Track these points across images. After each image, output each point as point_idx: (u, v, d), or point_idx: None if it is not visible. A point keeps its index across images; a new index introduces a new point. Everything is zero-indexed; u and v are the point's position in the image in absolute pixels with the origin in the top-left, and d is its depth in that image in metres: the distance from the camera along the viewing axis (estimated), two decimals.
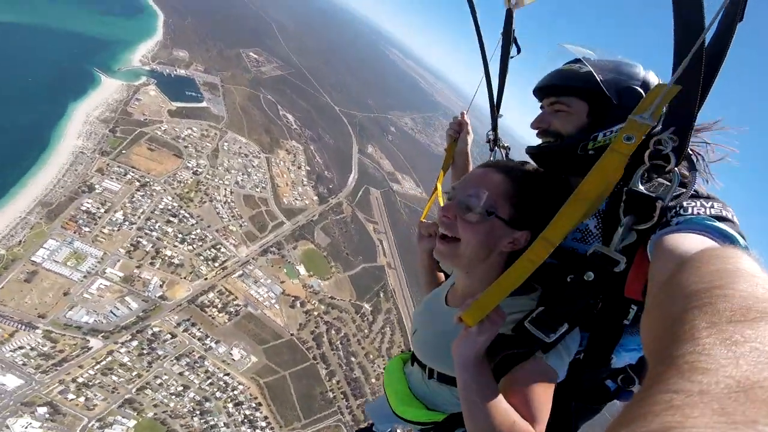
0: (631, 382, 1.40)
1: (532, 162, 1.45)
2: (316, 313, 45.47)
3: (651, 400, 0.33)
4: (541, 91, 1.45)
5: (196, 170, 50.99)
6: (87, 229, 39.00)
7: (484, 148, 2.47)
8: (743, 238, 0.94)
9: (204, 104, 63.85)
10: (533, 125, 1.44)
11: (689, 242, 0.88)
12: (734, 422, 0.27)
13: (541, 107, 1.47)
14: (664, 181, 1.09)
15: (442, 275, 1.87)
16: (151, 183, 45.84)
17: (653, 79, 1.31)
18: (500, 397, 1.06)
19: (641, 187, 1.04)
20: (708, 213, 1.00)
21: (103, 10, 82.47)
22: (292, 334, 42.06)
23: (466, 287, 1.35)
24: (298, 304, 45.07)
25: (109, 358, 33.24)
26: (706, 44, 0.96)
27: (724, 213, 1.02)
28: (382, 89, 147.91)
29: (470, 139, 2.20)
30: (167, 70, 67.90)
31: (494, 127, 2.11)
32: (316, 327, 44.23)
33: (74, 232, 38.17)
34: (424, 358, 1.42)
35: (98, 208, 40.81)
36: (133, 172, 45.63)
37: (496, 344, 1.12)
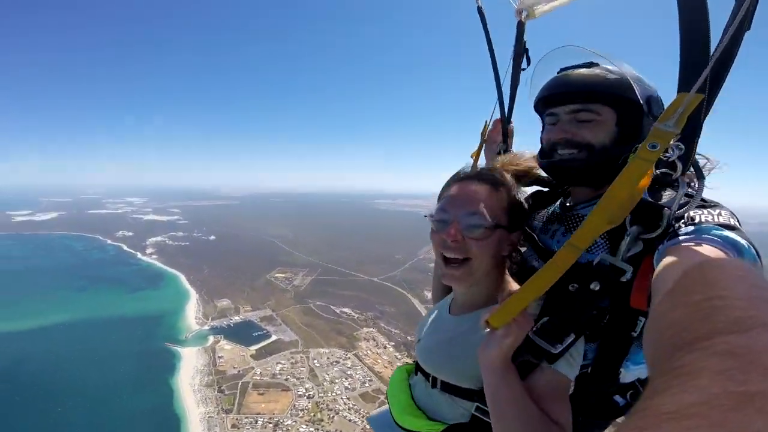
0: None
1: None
2: None
3: (651, 411, 0.36)
4: (561, 97, 1.50)
5: (308, 394, 60.63)
6: None
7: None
8: (752, 245, 1.02)
9: (274, 337, 77.06)
10: (557, 135, 1.50)
11: (694, 252, 0.98)
12: None
13: (548, 115, 1.58)
14: (671, 190, 1.21)
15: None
16: (282, 421, 54.87)
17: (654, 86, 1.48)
18: (530, 401, 1.20)
19: (649, 198, 1.17)
20: (716, 221, 1.08)
21: (131, 289, 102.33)
22: None
23: (469, 296, 1.55)
24: None
25: None
26: (715, 53, 1.09)
27: (731, 221, 1.09)
28: (398, 238, 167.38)
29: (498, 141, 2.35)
30: (224, 322, 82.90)
31: (505, 139, 2.30)
32: None
33: None
34: (427, 367, 1.57)
35: None
36: (261, 418, 55.37)
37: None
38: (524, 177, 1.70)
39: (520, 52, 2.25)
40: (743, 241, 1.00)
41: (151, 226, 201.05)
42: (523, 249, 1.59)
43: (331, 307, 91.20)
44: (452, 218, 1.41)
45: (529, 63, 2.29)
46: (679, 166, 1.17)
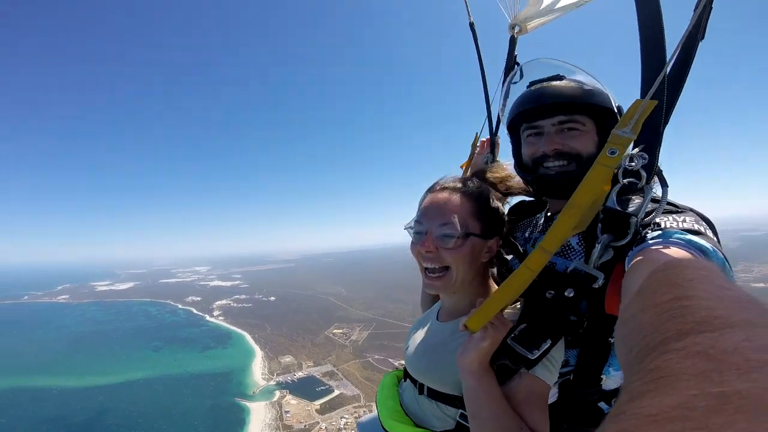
0: None
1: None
2: None
3: (631, 414, 0.36)
4: (546, 109, 1.48)
5: None
6: None
7: None
8: (719, 248, 1.02)
9: (336, 392, 76.60)
10: (548, 147, 1.47)
11: (660, 255, 0.98)
12: None
13: (528, 128, 1.55)
14: (638, 198, 1.22)
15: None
16: None
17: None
18: (507, 404, 1.21)
19: (616, 205, 1.19)
20: (680, 227, 1.10)
21: (201, 347, 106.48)
22: None
23: (454, 303, 1.55)
24: None
25: None
26: (670, 62, 1.15)
27: (696, 227, 1.10)
28: None
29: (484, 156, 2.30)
30: (288, 377, 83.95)
31: (492, 150, 2.26)
32: None
33: None
34: (414, 373, 1.56)
35: None
36: None
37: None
38: (508, 186, 1.72)
39: (512, 66, 2.22)
40: (708, 245, 1.00)
41: (216, 291, 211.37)
42: (509, 257, 1.59)
43: (389, 360, 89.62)
44: (426, 229, 1.44)
45: (521, 77, 2.14)
46: (644, 174, 1.19)
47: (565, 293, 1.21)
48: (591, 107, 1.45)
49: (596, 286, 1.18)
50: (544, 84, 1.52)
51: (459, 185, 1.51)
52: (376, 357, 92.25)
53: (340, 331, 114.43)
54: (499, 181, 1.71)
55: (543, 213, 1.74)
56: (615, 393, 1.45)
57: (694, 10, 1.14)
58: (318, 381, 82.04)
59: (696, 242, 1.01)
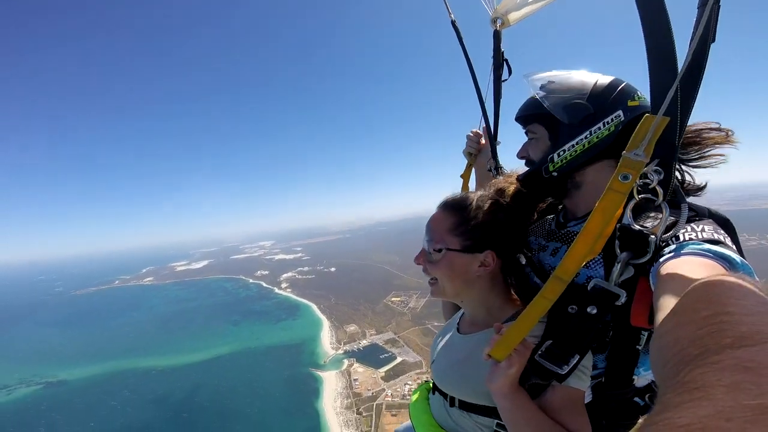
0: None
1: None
2: None
3: (666, 425, 0.35)
4: (517, 122, 1.61)
5: None
6: None
7: None
8: (741, 255, 0.99)
9: (399, 359, 79.32)
10: (517, 155, 1.62)
11: (689, 266, 0.95)
12: None
13: None
14: (655, 214, 1.17)
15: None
16: None
17: (602, 82, 1.41)
18: (544, 416, 1.20)
19: (635, 225, 1.14)
20: (700, 237, 1.06)
21: (275, 320, 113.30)
22: None
23: (472, 314, 1.57)
24: None
25: None
26: (682, 72, 1.05)
27: (716, 236, 1.06)
28: None
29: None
30: (354, 346, 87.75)
31: (494, 155, 2.16)
32: None
33: None
34: (444, 387, 1.54)
35: None
36: None
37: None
38: (511, 195, 1.66)
39: (500, 62, 2.12)
40: (733, 255, 0.97)
41: (281, 264, 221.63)
42: (523, 262, 1.57)
43: None
44: (423, 245, 1.53)
45: (510, 73, 2.16)
46: (661, 191, 1.15)
47: (588, 310, 1.18)
48: (534, 116, 1.53)
49: (619, 303, 1.15)
50: (529, 96, 1.59)
51: (447, 200, 1.55)
52: (435, 324, 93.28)
53: (398, 299, 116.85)
54: (501, 190, 1.69)
55: (552, 216, 1.74)
56: (647, 389, 1.45)
57: (699, 7, 1.04)
58: (381, 349, 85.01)
59: (721, 253, 0.98)
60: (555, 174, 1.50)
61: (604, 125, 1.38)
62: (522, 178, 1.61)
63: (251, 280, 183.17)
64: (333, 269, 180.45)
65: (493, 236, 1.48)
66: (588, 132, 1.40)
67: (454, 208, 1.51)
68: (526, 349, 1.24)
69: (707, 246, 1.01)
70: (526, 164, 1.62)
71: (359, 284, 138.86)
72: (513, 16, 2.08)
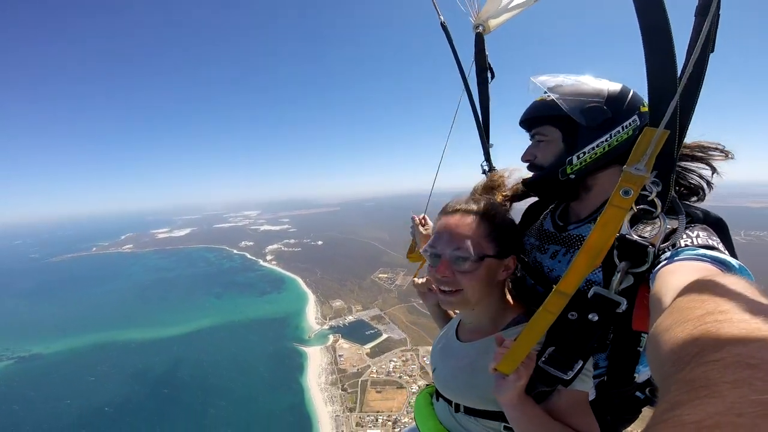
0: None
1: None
2: None
3: (674, 422, 0.35)
4: (523, 126, 1.63)
5: None
6: None
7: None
8: (736, 258, 1.03)
9: (385, 335, 79.43)
10: (522, 159, 1.63)
11: (685, 270, 0.98)
12: None
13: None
14: (653, 223, 1.21)
15: (450, 312, 2.21)
16: (399, 419, 56.33)
17: (615, 88, 1.45)
18: (552, 420, 1.25)
19: (633, 235, 1.17)
20: (695, 243, 1.11)
21: (259, 292, 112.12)
22: None
23: (474, 321, 1.58)
24: None
25: None
26: (682, 85, 1.05)
27: (710, 242, 1.11)
28: None
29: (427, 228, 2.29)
30: (340, 321, 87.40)
31: (487, 158, 2.25)
32: None
33: None
34: (448, 395, 1.58)
35: None
36: (381, 416, 57.34)
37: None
38: (514, 196, 1.81)
39: (484, 66, 2.24)
40: (728, 258, 1.01)
41: (267, 235, 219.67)
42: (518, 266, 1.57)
43: None
44: (441, 254, 1.44)
45: (493, 77, 2.28)
46: (659, 203, 1.16)
47: (589, 317, 1.20)
48: (551, 118, 1.52)
49: (619, 311, 1.17)
50: (536, 98, 1.60)
51: (471, 206, 1.52)
52: (420, 302, 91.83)
53: (385, 275, 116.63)
54: (499, 188, 1.82)
55: (548, 217, 1.77)
56: (649, 382, 1.49)
57: (697, 16, 1.06)
58: (367, 325, 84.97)
59: (718, 257, 1.01)
60: (572, 176, 1.51)
61: (623, 129, 1.42)
62: (532, 182, 1.64)
63: (235, 251, 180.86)
64: (320, 243, 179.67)
65: (514, 240, 1.54)
66: (608, 135, 1.43)
67: (484, 213, 1.50)
68: (532, 361, 1.27)
69: (702, 251, 1.05)
70: (530, 168, 1.64)
71: (346, 259, 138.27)
72: (493, 23, 2.23)
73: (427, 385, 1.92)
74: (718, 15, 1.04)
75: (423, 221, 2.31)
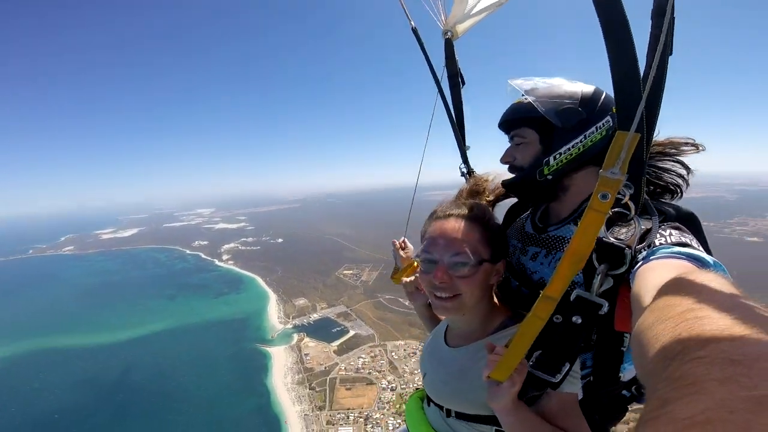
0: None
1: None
2: None
3: (666, 419, 0.36)
4: (501, 128, 1.66)
5: (391, 386, 60.74)
6: None
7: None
8: (710, 254, 1.08)
9: (352, 332, 77.98)
10: (501, 160, 1.66)
11: (662, 268, 1.01)
12: None
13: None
14: (628, 225, 1.24)
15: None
16: (371, 414, 55.43)
17: (588, 90, 1.50)
18: (544, 423, 1.29)
19: (610, 238, 1.20)
20: (669, 241, 1.16)
21: (215, 293, 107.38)
22: None
23: (463, 326, 1.58)
24: None
25: None
26: (647, 90, 1.07)
27: (683, 239, 1.17)
28: None
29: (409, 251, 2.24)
30: (304, 320, 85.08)
31: (465, 160, 2.28)
32: None
33: None
34: (439, 400, 1.60)
35: None
36: (351, 413, 56.09)
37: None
38: (496, 199, 1.87)
39: (455, 71, 2.25)
40: (703, 255, 1.04)
41: (222, 234, 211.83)
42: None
43: (400, 299, 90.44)
44: (437, 260, 1.44)
45: (463, 83, 2.29)
46: (632, 206, 1.20)
47: (573, 320, 1.22)
48: (528, 120, 1.55)
49: (602, 312, 1.20)
50: (514, 101, 1.63)
51: (464, 211, 1.52)
52: (387, 297, 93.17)
53: (350, 272, 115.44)
54: (483, 193, 1.86)
55: (527, 218, 1.81)
56: (635, 380, 1.51)
57: (654, 18, 1.12)
58: (333, 322, 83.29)
59: (692, 253, 1.05)
60: (550, 177, 1.54)
61: (596, 129, 1.47)
62: (511, 183, 1.67)
63: (188, 251, 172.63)
64: (280, 240, 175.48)
65: (504, 244, 1.55)
66: (582, 136, 1.47)
67: (479, 218, 1.51)
68: (524, 367, 1.28)
69: (677, 248, 1.09)
70: (510, 170, 1.66)
71: (309, 256, 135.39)
72: (461, 28, 2.25)
73: (416, 389, 1.93)
74: (673, 18, 1.07)
75: (403, 245, 2.23)
